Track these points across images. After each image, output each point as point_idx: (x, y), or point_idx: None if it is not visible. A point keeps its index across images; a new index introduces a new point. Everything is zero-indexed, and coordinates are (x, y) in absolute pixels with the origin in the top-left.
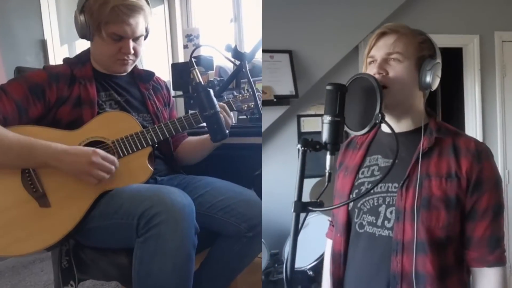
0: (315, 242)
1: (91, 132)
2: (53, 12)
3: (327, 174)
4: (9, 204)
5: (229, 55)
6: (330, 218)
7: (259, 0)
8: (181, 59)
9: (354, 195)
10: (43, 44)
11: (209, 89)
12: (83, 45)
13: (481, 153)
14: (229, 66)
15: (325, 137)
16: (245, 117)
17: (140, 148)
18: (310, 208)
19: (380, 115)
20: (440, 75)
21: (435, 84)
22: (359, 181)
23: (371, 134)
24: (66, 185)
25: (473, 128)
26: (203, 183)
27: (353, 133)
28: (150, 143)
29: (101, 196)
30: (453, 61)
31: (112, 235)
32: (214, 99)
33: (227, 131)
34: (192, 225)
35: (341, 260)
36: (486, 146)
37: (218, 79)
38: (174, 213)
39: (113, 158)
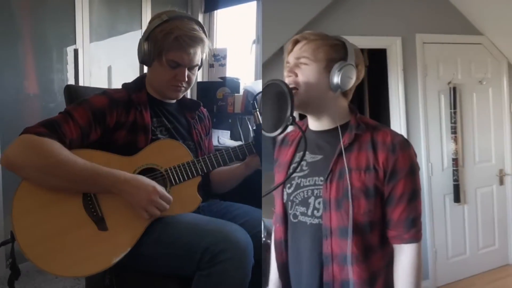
0: None
1: (146, 159)
2: (86, 22)
3: None
4: (71, 225)
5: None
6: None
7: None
8: (199, 77)
9: (287, 189)
10: (75, 53)
11: None
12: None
13: (396, 146)
14: (257, 90)
15: None
16: None
17: (191, 177)
18: None
19: (291, 117)
20: (352, 77)
21: (347, 85)
22: (290, 176)
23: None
24: (122, 210)
25: (397, 124)
26: (241, 212)
27: (268, 135)
28: (200, 172)
29: (153, 222)
30: (379, 61)
31: (166, 263)
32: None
33: None
34: (251, 262)
35: (282, 247)
36: (402, 138)
37: None
38: (239, 251)
39: (170, 198)
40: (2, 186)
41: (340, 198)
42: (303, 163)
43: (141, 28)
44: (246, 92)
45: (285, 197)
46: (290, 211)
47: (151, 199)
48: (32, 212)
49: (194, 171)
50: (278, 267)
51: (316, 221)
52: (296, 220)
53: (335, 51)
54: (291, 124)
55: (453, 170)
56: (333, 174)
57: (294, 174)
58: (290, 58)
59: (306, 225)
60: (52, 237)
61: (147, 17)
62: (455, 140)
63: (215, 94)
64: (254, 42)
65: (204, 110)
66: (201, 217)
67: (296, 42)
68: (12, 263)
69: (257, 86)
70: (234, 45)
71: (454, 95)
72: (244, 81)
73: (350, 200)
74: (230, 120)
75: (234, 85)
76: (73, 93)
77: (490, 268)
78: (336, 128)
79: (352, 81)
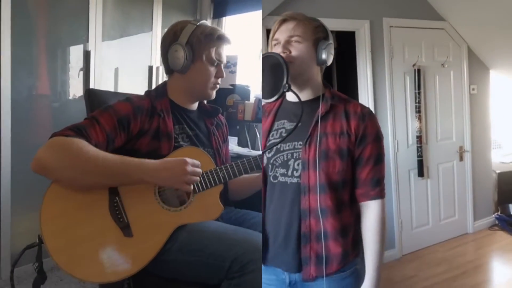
0: None
1: None
2: (99, 25)
3: None
4: (97, 231)
5: None
6: None
7: None
8: None
9: (267, 154)
10: (86, 55)
11: None
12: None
13: (365, 115)
14: None
15: None
16: None
17: (213, 185)
18: None
19: (287, 85)
20: (333, 53)
21: (330, 60)
22: (270, 142)
23: (277, 102)
24: (146, 216)
25: (365, 103)
26: (258, 220)
27: (264, 101)
28: (222, 180)
29: (177, 229)
30: (347, 43)
31: (192, 270)
32: None
33: None
34: None
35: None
36: (369, 109)
37: None
38: None
39: (198, 162)
40: (11, 188)
41: (318, 159)
42: (282, 130)
43: (151, 30)
44: (257, 100)
45: (265, 161)
46: (270, 173)
47: (186, 171)
48: (59, 217)
49: (216, 179)
50: None
51: (295, 180)
52: (276, 181)
53: (319, 32)
54: (288, 90)
55: (417, 147)
56: (311, 138)
57: (273, 140)
58: (280, 36)
59: (287, 185)
60: (79, 242)
61: (158, 19)
62: (419, 119)
63: (225, 101)
64: (262, 50)
65: (222, 117)
66: (227, 226)
67: (283, 21)
68: (39, 267)
69: None
70: (242, 52)
71: (419, 77)
72: (254, 88)
73: (316, 159)
74: (238, 127)
75: (244, 92)
76: (94, 97)
77: (450, 237)
78: (311, 100)
79: (332, 57)
